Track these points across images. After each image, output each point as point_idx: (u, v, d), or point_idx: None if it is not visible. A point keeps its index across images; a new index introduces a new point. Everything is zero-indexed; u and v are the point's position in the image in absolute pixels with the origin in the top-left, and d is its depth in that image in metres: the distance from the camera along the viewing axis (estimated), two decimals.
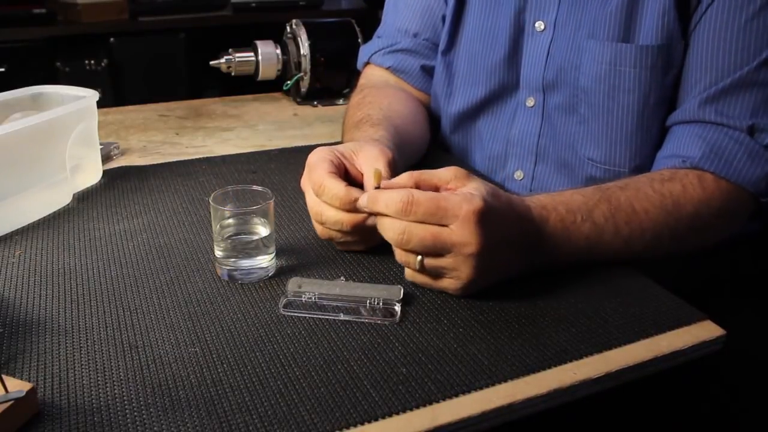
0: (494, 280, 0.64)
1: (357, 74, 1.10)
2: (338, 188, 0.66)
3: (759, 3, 0.74)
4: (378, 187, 0.65)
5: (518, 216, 0.65)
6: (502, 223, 0.62)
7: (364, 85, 1.02)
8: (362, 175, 0.70)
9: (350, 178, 0.70)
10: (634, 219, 0.70)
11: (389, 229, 0.61)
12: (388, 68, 1.02)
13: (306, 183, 0.70)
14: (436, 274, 0.63)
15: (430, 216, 0.59)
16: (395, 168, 0.70)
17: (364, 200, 0.64)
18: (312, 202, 0.69)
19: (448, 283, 0.63)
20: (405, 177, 0.65)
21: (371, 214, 0.64)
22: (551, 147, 0.89)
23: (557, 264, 0.68)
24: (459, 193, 0.61)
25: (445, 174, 0.64)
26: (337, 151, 0.71)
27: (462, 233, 0.59)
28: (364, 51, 1.07)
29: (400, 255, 0.63)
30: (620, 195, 0.70)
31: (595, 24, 0.81)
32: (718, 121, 0.76)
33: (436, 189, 0.64)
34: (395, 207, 0.60)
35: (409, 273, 0.65)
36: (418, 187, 0.63)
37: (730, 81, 0.75)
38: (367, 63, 1.06)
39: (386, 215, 0.61)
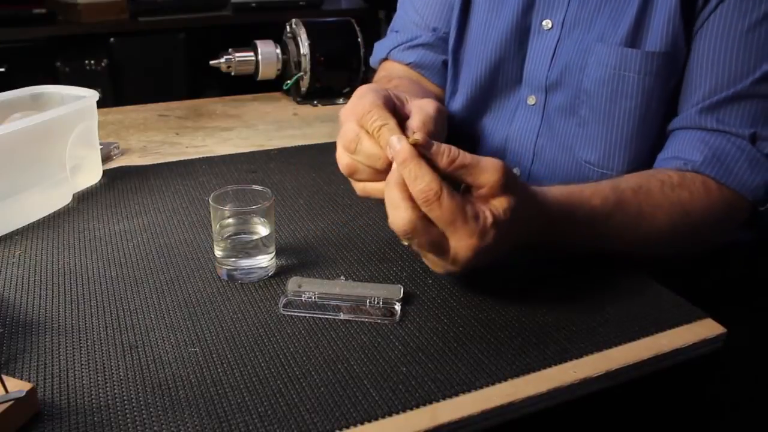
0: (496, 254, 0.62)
1: (360, 74, 1.07)
2: (387, 118, 0.62)
3: (761, 13, 0.73)
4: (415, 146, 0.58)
5: (538, 213, 0.63)
6: (506, 237, 0.60)
7: (384, 75, 0.99)
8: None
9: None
10: (642, 214, 0.70)
11: (401, 215, 0.57)
12: (409, 64, 0.98)
13: (348, 112, 0.66)
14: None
15: (442, 222, 0.57)
16: (442, 125, 0.66)
17: (396, 144, 0.58)
18: (350, 129, 0.64)
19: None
20: (446, 154, 0.58)
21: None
22: (548, 147, 0.89)
23: (557, 239, 0.67)
24: (479, 213, 0.58)
25: (485, 178, 0.58)
26: (389, 90, 0.68)
27: (459, 253, 0.58)
28: (381, 47, 1.02)
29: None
30: (631, 198, 0.71)
31: (604, 27, 0.81)
32: (719, 129, 0.75)
33: (468, 186, 0.60)
34: (418, 190, 0.56)
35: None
36: (452, 176, 0.59)
37: (731, 92, 0.75)
38: (385, 59, 1.02)
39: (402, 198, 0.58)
